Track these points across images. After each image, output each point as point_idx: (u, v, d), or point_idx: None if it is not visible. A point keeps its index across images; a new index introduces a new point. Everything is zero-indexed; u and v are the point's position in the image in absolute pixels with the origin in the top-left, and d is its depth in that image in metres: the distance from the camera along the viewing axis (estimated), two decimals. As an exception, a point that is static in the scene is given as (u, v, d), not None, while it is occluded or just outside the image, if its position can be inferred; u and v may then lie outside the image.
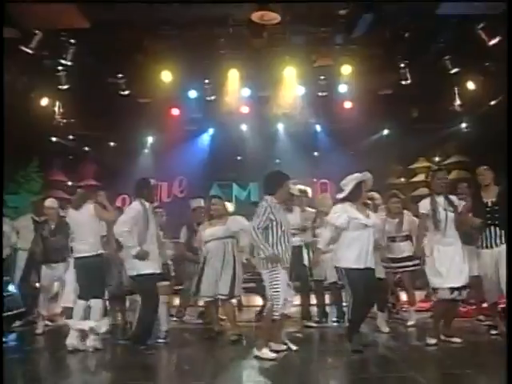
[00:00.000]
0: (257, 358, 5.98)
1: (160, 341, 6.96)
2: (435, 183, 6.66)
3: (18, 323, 8.39)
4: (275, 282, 6.01)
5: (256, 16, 8.42)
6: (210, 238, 7.08)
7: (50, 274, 7.85)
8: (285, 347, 6.33)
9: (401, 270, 7.89)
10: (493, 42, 9.00)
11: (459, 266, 6.33)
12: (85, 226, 6.87)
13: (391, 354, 6.30)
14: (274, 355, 5.98)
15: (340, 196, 6.45)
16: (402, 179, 14.17)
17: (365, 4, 8.61)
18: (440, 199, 6.51)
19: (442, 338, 6.48)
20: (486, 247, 6.65)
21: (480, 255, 6.74)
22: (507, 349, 3.42)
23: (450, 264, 6.32)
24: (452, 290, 6.28)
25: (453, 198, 6.64)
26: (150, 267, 6.51)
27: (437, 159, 13.93)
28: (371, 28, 9.11)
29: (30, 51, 8.83)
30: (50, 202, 8.06)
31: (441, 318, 6.57)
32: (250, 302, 9.67)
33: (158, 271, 6.65)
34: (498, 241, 6.56)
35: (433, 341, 6.37)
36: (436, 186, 6.64)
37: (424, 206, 6.58)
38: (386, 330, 7.27)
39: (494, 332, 6.79)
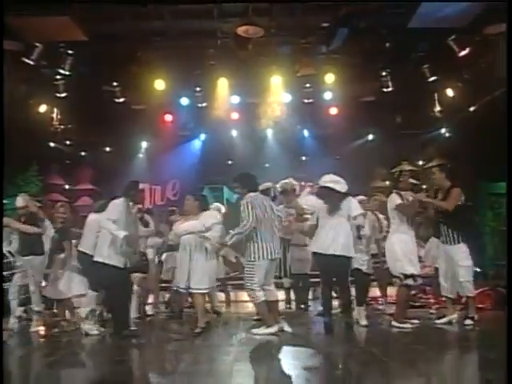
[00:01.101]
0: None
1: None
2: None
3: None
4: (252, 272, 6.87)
5: (241, 30, 9.03)
6: (184, 233, 7.45)
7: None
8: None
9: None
10: (463, 52, 9.58)
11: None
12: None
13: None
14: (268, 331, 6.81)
15: None
16: (387, 182, 14.67)
17: (344, 17, 9.18)
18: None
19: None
20: (442, 242, 7.47)
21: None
22: (507, 348, 3.54)
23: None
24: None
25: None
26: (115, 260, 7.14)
27: (420, 163, 14.46)
28: (351, 39, 9.64)
29: (31, 62, 9.38)
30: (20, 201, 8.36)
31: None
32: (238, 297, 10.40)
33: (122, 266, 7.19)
34: (447, 239, 7.36)
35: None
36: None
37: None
38: (364, 322, 7.51)
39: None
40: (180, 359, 5.73)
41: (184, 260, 7.32)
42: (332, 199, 7.00)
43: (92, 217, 7.83)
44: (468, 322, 7.22)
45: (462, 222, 7.28)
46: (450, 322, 7.37)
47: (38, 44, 9.33)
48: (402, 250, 7.07)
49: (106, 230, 7.08)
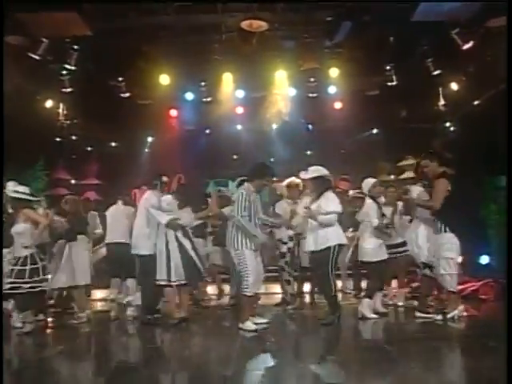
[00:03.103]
0: (240, 329, 6.91)
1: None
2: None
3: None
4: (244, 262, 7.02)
5: (245, 24, 9.09)
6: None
7: None
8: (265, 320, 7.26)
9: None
10: (467, 45, 9.58)
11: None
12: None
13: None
14: (255, 327, 6.93)
15: None
16: (392, 176, 14.71)
17: (347, 11, 9.22)
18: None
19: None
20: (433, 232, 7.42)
21: None
22: (507, 348, 3.59)
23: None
24: None
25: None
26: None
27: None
28: (354, 33, 9.70)
29: (37, 57, 9.42)
30: None
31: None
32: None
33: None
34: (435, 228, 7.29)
35: None
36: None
37: None
38: (371, 315, 7.56)
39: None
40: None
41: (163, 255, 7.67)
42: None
43: (115, 208, 8.80)
44: (438, 317, 7.28)
45: (448, 211, 7.04)
46: (452, 318, 7.18)
47: (43, 39, 9.36)
48: (423, 239, 7.28)
49: (142, 218, 7.69)
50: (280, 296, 9.62)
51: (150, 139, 14.97)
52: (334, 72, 11.82)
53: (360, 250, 7.89)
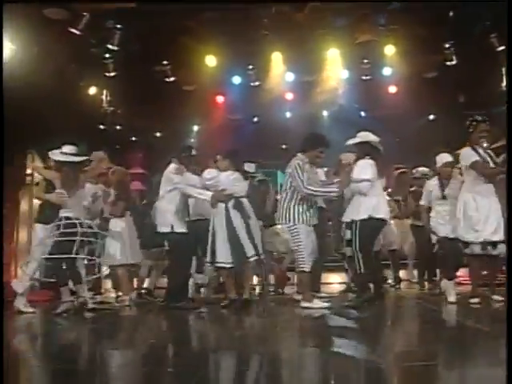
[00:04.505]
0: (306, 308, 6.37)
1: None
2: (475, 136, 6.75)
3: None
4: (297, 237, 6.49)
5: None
6: None
7: None
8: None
9: None
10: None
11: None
12: None
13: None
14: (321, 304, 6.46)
15: None
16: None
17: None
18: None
19: None
20: None
21: None
22: (507, 347, 3.26)
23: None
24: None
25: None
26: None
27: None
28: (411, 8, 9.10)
29: (77, 32, 9.02)
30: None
31: None
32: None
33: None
34: None
35: None
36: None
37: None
38: (453, 299, 6.77)
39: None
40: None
41: None
42: None
43: None
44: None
45: None
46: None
47: (84, 13, 8.94)
48: (466, 212, 6.41)
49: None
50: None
51: (195, 128, 14.47)
52: (389, 50, 11.08)
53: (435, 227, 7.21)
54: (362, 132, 6.95)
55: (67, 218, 6.49)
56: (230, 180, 6.92)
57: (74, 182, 6.72)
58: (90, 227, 6.73)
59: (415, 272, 9.56)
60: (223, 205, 6.81)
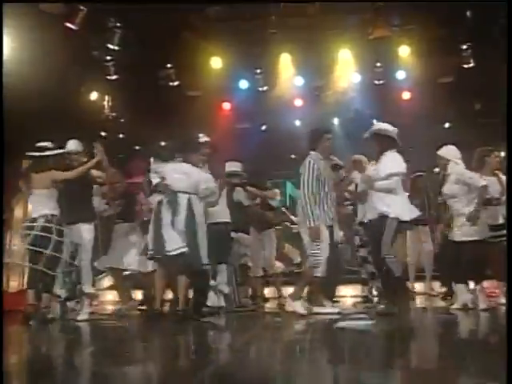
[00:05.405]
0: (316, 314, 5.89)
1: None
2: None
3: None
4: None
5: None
6: None
7: None
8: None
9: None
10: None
11: None
12: None
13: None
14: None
15: None
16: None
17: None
18: None
19: None
20: None
21: None
22: (507, 348, 3.01)
23: None
24: None
25: None
26: None
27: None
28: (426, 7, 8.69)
29: (74, 27, 8.59)
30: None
31: None
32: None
33: None
34: None
35: None
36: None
37: None
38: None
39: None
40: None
41: None
42: None
43: None
44: None
45: None
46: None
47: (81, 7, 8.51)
48: None
49: None
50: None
51: (201, 136, 13.94)
52: (403, 51, 10.59)
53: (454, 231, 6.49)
54: (378, 123, 6.52)
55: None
56: (169, 170, 6.42)
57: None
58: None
59: (434, 283, 8.91)
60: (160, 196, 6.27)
